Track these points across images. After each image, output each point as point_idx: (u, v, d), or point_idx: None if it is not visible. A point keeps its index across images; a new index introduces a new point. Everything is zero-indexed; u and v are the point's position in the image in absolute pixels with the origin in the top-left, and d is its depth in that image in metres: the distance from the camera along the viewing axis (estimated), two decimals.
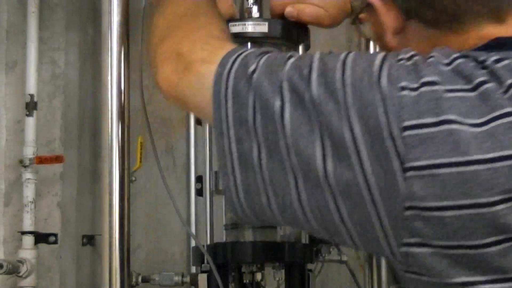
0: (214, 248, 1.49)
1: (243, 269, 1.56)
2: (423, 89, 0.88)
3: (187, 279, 1.86)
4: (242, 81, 0.96)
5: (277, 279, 1.55)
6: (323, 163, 0.89)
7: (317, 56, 0.94)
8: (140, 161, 1.93)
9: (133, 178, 1.78)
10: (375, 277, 1.98)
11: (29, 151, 2.14)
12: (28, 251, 2.10)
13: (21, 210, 2.14)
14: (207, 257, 1.48)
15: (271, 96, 0.93)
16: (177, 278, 1.86)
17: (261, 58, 0.98)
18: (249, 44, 1.56)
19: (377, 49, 1.77)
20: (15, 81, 2.21)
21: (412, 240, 0.87)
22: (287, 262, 1.54)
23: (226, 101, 0.96)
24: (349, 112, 0.88)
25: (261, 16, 1.57)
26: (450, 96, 0.87)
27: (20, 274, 2.07)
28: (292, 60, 0.95)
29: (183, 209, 2.22)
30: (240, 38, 1.53)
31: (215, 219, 1.56)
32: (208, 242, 1.53)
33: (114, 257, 1.54)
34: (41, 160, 2.12)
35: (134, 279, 1.68)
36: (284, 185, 0.93)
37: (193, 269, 2.03)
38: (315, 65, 0.93)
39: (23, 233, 2.11)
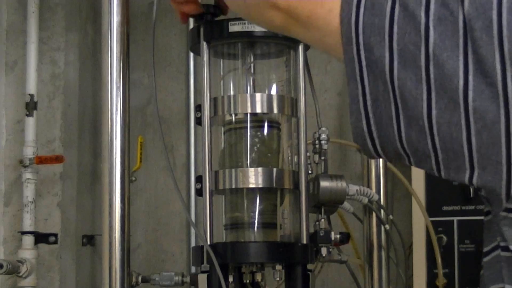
0: (214, 248, 1.49)
1: (243, 269, 1.56)
2: None
3: (187, 279, 1.86)
4: None
5: (277, 279, 1.55)
6: (465, 77, 0.88)
7: None
8: (140, 161, 1.93)
9: (133, 178, 1.78)
10: (375, 277, 1.98)
11: (29, 151, 2.14)
12: (28, 251, 2.10)
13: (21, 210, 2.14)
14: (212, 256, 1.48)
15: (416, 8, 0.91)
16: (177, 278, 1.85)
17: None
18: (249, 43, 1.56)
19: None
20: (15, 81, 2.21)
21: None
22: (287, 262, 1.54)
23: (358, 7, 0.94)
24: (502, 31, 0.87)
25: None
26: None
27: (20, 274, 2.07)
28: None
29: (183, 209, 2.22)
30: (240, 37, 1.53)
31: (215, 219, 1.56)
32: (208, 242, 1.52)
33: (114, 257, 1.55)
34: (41, 160, 2.12)
35: (134, 279, 1.68)
36: (415, 96, 0.91)
37: (193, 269, 2.03)
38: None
39: (23, 233, 2.11)
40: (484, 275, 0.96)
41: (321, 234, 1.60)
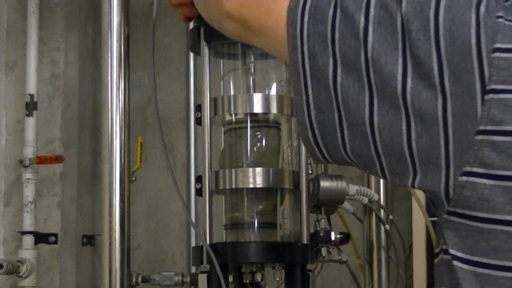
0: (214, 248, 1.49)
1: (243, 269, 1.56)
2: None
3: (187, 279, 1.86)
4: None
5: (277, 279, 1.55)
6: (403, 80, 0.88)
7: None
8: (140, 161, 1.93)
9: (133, 178, 1.78)
10: (375, 277, 1.98)
11: (29, 151, 2.14)
12: (28, 251, 2.10)
13: (21, 210, 2.14)
14: (212, 256, 1.48)
15: (356, 12, 0.91)
16: (177, 278, 1.85)
17: None
18: None
19: None
20: (15, 81, 2.21)
21: (475, 169, 0.86)
22: (287, 262, 1.54)
23: (303, 15, 0.94)
24: (439, 30, 0.87)
25: None
26: None
27: (20, 274, 2.07)
28: None
29: (183, 209, 2.22)
30: None
31: (215, 219, 1.56)
32: (208, 242, 1.52)
33: (114, 257, 1.55)
34: (41, 160, 2.12)
35: (134, 279, 1.68)
36: (358, 102, 0.90)
37: (193, 269, 2.03)
38: None
39: (23, 233, 2.11)
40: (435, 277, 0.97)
41: (321, 234, 1.60)
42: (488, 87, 0.84)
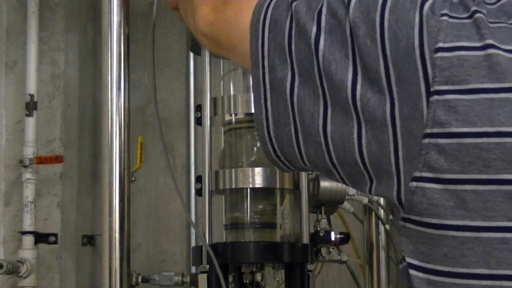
0: (214, 248, 1.49)
1: (243, 269, 1.56)
2: (467, 20, 0.85)
3: (187, 279, 1.86)
4: (280, 9, 0.95)
5: (277, 279, 1.55)
6: (353, 87, 0.87)
7: None
8: (140, 161, 1.93)
9: (133, 178, 1.77)
10: (375, 277, 1.98)
11: (29, 151, 2.14)
12: (28, 251, 2.10)
13: (21, 210, 2.14)
14: (212, 256, 1.48)
15: (308, 22, 0.91)
16: (177, 278, 1.86)
17: None
18: None
19: None
20: (15, 81, 2.21)
21: (424, 174, 0.84)
22: (287, 262, 1.54)
23: (263, 30, 0.95)
24: (384, 33, 0.86)
25: None
26: (492, 27, 0.84)
27: (20, 274, 2.07)
28: None
29: (183, 209, 2.22)
30: None
31: (215, 219, 1.56)
32: (208, 242, 1.52)
33: (114, 257, 1.54)
34: (41, 160, 2.12)
35: (134, 279, 1.68)
36: (312, 113, 0.91)
37: (193, 269, 2.03)
38: None
39: (23, 233, 2.11)
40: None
41: (321, 234, 1.60)
42: (432, 89, 0.83)
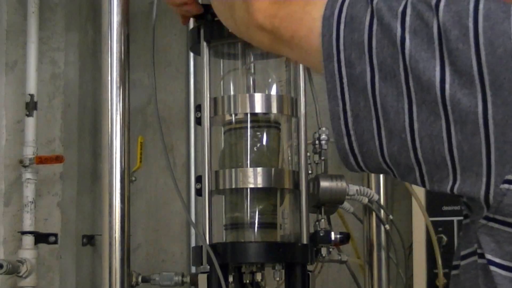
0: (214, 248, 1.49)
1: (243, 269, 1.56)
2: None
3: (187, 279, 1.86)
4: (358, 6, 0.95)
5: (277, 279, 1.54)
6: (441, 87, 0.88)
7: None
8: (140, 161, 1.93)
9: (133, 178, 1.77)
10: (375, 277, 1.98)
11: (29, 151, 2.14)
12: (28, 251, 2.11)
13: (21, 210, 2.14)
14: (212, 256, 1.48)
15: (392, 20, 0.92)
16: (177, 278, 1.86)
17: None
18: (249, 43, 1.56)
19: None
20: (15, 81, 2.21)
21: None
22: (287, 262, 1.54)
23: (339, 24, 0.95)
24: (479, 39, 0.87)
25: None
26: None
27: (20, 274, 2.08)
28: None
29: (183, 209, 2.22)
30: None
31: (215, 219, 1.56)
32: (208, 242, 1.52)
33: (114, 257, 1.55)
34: (41, 160, 2.12)
35: (134, 279, 1.68)
36: (397, 110, 0.91)
37: (193, 269, 2.03)
38: None
39: (23, 233, 2.11)
40: (460, 279, 0.97)
41: (321, 234, 1.59)
42: None
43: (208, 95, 1.55)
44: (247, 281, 1.55)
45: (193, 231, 2.36)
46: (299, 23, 1.00)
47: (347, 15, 0.95)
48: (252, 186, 1.53)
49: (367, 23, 0.93)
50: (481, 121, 0.87)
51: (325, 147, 1.63)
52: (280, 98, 1.56)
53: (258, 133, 1.57)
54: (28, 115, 2.16)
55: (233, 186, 1.55)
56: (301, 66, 1.57)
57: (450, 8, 0.90)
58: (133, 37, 1.66)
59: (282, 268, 1.54)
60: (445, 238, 1.98)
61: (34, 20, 2.18)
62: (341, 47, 0.94)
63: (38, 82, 2.18)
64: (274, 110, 1.55)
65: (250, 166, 1.54)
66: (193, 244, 2.34)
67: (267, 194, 1.56)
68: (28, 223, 2.12)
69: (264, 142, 1.57)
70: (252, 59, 1.60)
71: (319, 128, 1.64)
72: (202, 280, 1.51)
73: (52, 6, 2.28)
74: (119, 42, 1.57)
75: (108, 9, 1.58)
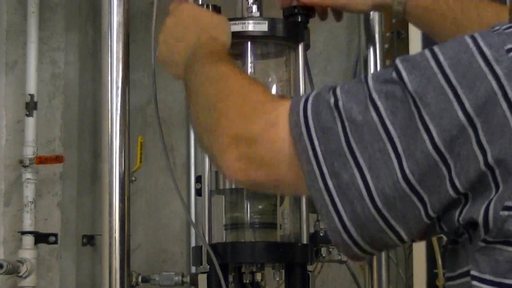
0: (214, 248, 1.49)
1: (243, 269, 1.56)
2: None
3: (187, 279, 1.86)
4: (323, 114, 0.93)
5: (277, 279, 1.54)
6: (435, 148, 0.88)
7: (397, 60, 0.92)
8: (140, 161, 1.93)
9: (133, 178, 1.77)
10: (375, 277, 1.98)
11: (29, 151, 2.14)
12: (28, 251, 2.10)
13: (21, 210, 2.14)
14: (212, 256, 1.47)
15: (365, 113, 0.90)
16: (177, 278, 1.86)
17: (335, 90, 0.95)
18: (249, 43, 1.56)
19: (377, 50, 1.77)
20: (15, 81, 2.21)
21: None
22: (287, 262, 1.54)
23: (311, 141, 0.93)
24: (457, 90, 0.87)
25: (261, 15, 1.57)
26: None
27: (20, 274, 2.07)
28: (369, 75, 0.94)
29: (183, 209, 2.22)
30: (240, 37, 1.53)
31: (215, 219, 1.56)
32: (208, 242, 1.52)
33: (114, 257, 1.54)
34: (41, 160, 2.12)
35: (134, 279, 1.68)
36: (408, 205, 0.90)
37: (193, 269, 2.03)
38: (401, 65, 0.91)
39: (23, 233, 2.11)
40: None
41: (321, 234, 1.60)
42: None
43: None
44: (247, 281, 1.56)
45: (193, 231, 2.36)
46: (273, 165, 0.97)
47: (316, 128, 0.93)
48: None
49: (340, 130, 0.92)
50: (484, 168, 0.87)
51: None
52: (280, 98, 1.55)
53: None
54: (28, 115, 2.16)
55: (233, 186, 1.55)
56: (301, 66, 1.57)
57: (412, 74, 0.89)
58: (133, 37, 1.66)
59: (282, 268, 1.54)
60: (445, 238, 1.98)
61: (34, 20, 2.18)
62: (321, 161, 0.92)
63: (38, 82, 2.18)
64: None
65: None
66: (193, 244, 2.34)
67: (267, 194, 1.56)
68: (28, 223, 2.12)
69: None
70: (252, 59, 1.60)
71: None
72: (202, 280, 1.51)
73: (52, 6, 2.28)
74: (119, 42, 1.57)
75: (108, 9, 1.58)
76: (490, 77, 0.86)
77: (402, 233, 0.92)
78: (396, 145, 0.89)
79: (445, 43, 0.91)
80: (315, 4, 1.54)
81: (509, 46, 0.87)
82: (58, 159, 2.14)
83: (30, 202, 2.13)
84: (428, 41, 1.90)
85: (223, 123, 1.03)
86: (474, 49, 0.88)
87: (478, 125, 0.86)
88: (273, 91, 1.60)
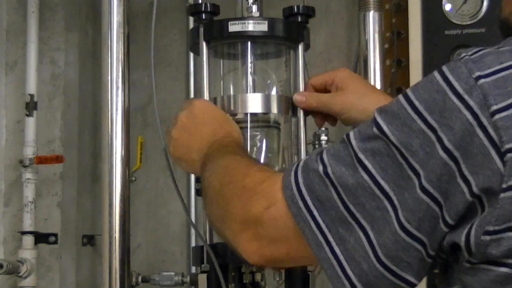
0: (214, 248, 1.49)
1: (243, 269, 1.56)
2: (503, 73, 0.87)
3: (187, 279, 1.86)
4: (316, 185, 0.95)
5: (277, 279, 1.54)
6: (426, 193, 0.89)
7: (375, 112, 0.93)
8: (140, 161, 1.93)
9: (133, 178, 1.78)
10: None
11: (29, 151, 2.14)
12: (28, 251, 2.10)
13: (21, 210, 2.14)
14: (212, 256, 1.47)
15: (355, 176, 0.92)
16: (177, 278, 1.86)
17: (321, 156, 0.96)
18: (249, 43, 1.56)
19: (377, 50, 1.77)
20: (15, 81, 2.21)
21: (497, 228, 0.87)
22: None
23: (311, 213, 0.95)
24: (437, 132, 0.88)
25: (261, 15, 1.57)
26: None
27: (20, 274, 2.07)
28: (351, 134, 0.95)
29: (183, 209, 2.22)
30: (240, 37, 1.53)
31: None
32: (208, 242, 1.52)
33: (114, 257, 1.55)
34: (41, 160, 2.12)
35: (134, 279, 1.68)
36: (411, 252, 0.92)
37: (193, 269, 2.03)
38: (380, 118, 0.92)
39: (23, 233, 2.11)
40: None
41: None
42: (503, 149, 0.85)
43: (208, 95, 1.55)
44: (247, 281, 1.55)
45: (193, 231, 2.36)
46: (282, 239, 1.00)
47: (313, 200, 0.95)
48: None
49: (335, 197, 0.93)
50: (470, 199, 0.88)
51: (325, 147, 1.63)
52: (280, 98, 1.55)
53: (258, 133, 1.57)
54: (28, 115, 2.16)
55: None
56: (301, 66, 1.57)
57: (391, 124, 0.91)
58: (133, 37, 1.66)
59: (282, 268, 1.54)
60: None
61: (34, 20, 2.18)
62: (325, 230, 0.94)
63: (38, 82, 2.18)
64: (274, 110, 1.55)
65: None
66: (193, 244, 2.34)
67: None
68: (28, 223, 2.12)
69: (264, 142, 1.57)
70: (252, 59, 1.60)
71: (319, 128, 1.64)
72: (202, 280, 1.51)
73: (52, 6, 2.28)
74: (119, 42, 1.57)
75: (108, 9, 1.58)
76: (464, 110, 0.87)
77: (412, 279, 0.95)
78: (392, 199, 0.91)
79: (417, 84, 0.92)
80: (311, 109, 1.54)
81: (477, 73, 0.88)
82: (58, 159, 2.14)
83: (30, 202, 2.13)
84: (428, 41, 1.90)
85: (230, 211, 1.07)
86: (445, 86, 0.89)
87: (460, 159, 0.87)
88: (273, 91, 1.60)
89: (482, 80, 0.87)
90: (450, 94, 0.88)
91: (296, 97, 1.51)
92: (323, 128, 1.64)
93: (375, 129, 0.92)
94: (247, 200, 1.04)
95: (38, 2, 2.19)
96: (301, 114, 1.55)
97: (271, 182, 1.02)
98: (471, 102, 0.87)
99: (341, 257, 0.94)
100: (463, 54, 0.91)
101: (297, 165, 0.99)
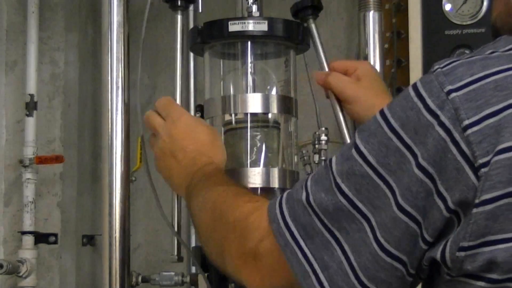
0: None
1: None
2: (474, 85, 0.87)
3: (187, 279, 1.86)
4: (301, 214, 0.96)
5: None
6: (408, 216, 0.90)
7: (356, 131, 0.94)
8: (140, 161, 1.92)
9: (133, 178, 1.78)
10: None
11: (29, 151, 2.14)
12: (28, 251, 2.11)
13: (21, 210, 2.14)
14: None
15: (334, 201, 0.93)
16: (177, 278, 1.85)
17: (306, 183, 0.97)
18: (249, 43, 1.56)
19: (377, 50, 1.77)
20: (15, 81, 2.21)
21: (471, 243, 0.87)
22: None
23: (298, 243, 0.96)
24: (412, 149, 0.88)
25: (261, 15, 1.57)
26: (506, 76, 0.87)
27: (20, 274, 2.08)
28: (333, 158, 0.95)
29: (183, 209, 2.22)
30: (240, 37, 1.53)
31: None
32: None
33: (114, 257, 1.55)
34: (41, 160, 2.12)
35: (134, 279, 1.68)
36: (391, 272, 0.92)
37: (193, 269, 2.03)
38: (358, 137, 0.93)
39: (23, 233, 2.11)
40: None
41: None
42: (477, 164, 0.85)
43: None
44: None
45: (193, 231, 2.36)
46: (279, 269, 1.00)
47: (299, 230, 0.96)
48: (252, 186, 1.53)
49: (318, 224, 0.95)
50: (447, 214, 0.88)
51: (325, 147, 1.63)
52: (280, 98, 1.56)
53: (258, 133, 1.57)
54: (28, 115, 2.16)
55: None
56: (318, 43, 1.57)
57: (368, 144, 0.92)
58: (133, 37, 1.66)
59: None
60: None
61: (34, 20, 2.18)
62: (312, 259, 0.95)
63: (38, 82, 2.18)
64: (274, 110, 1.55)
65: (250, 166, 1.54)
66: (193, 244, 2.34)
67: (267, 194, 1.56)
68: (28, 223, 2.12)
69: (264, 142, 1.57)
70: (252, 59, 1.60)
71: (319, 128, 1.64)
72: (202, 280, 1.51)
73: (52, 6, 2.28)
74: (119, 42, 1.57)
75: (108, 9, 1.58)
76: (436, 126, 0.87)
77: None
78: (371, 220, 0.91)
79: (394, 101, 0.93)
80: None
81: (448, 88, 0.88)
82: (58, 159, 2.14)
83: (30, 202, 2.13)
84: (428, 41, 1.90)
85: (226, 248, 1.08)
86: (418, 102, 0.89)
87: (435, 176, 0.88)
88: (273, 91, 1.60)
89: (453, 94, 0.87)
90: (423, 110, 0.88)
91: (318, 74, 1.52)
92: (323, 128, 1.64)
93: (353, 150, 0.92)
94: (241, 235, 1.05)
95: (38, 2, 2.19)
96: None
97: (260, 213, 1.03)
98: (443, 118, 0.87)
99: (326, 284, 0.94)
100: (436, 67, 0.91)
101: (281, 197, 1.00)
